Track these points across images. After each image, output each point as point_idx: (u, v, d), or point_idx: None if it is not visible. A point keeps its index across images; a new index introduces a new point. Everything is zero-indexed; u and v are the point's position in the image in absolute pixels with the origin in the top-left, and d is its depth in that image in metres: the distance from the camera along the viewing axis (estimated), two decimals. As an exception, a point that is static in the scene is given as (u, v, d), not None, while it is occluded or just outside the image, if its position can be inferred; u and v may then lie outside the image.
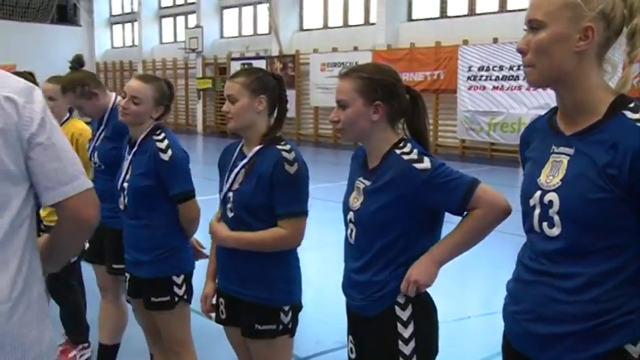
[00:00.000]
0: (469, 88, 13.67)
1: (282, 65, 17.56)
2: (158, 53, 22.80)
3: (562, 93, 1.50)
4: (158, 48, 23.16)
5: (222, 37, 20.90)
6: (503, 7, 13.86)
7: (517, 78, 12.65)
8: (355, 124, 1.96)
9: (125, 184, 2.71)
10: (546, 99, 12.22)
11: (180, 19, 22.71)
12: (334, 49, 16.44)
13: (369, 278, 1.96)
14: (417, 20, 15.21)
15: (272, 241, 2.27)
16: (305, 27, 18.18)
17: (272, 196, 2.25)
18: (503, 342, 1.65)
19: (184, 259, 2.75)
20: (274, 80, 2.38)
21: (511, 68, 12.84)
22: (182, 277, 2.71)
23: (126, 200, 2.71)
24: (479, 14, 14.26)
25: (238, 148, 2.42)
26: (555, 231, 1.47)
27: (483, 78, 13.37)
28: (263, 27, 19.26)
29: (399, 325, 1.93)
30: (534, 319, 1.52)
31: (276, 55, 17.91)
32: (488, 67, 13.26)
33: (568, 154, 1.48)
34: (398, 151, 1.94)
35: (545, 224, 1.49)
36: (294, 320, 2.37)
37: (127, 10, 24.87)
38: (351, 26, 16.84)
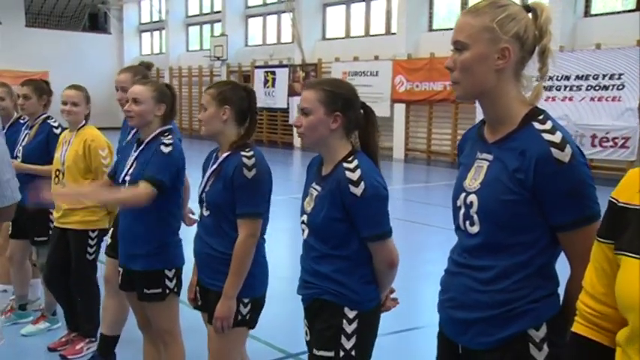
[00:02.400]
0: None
1: (304, 74, 17.81)
2: (184, 61, 23.25)
3: (485, 106, 1.67)
4: (184, 55, 23.62)
5: (246, 45, 21.25)
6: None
7: (535, 89, 12.67)
8: (315, 130, 2.16)
9: (127, 178, 2.90)
10: (565, 110, 12.26)
11: (207, 28, 23.14)
12: (355, 58, 16.64)
13: (325, 270, 2.16)
14: (437, 30, 15.31)
15: (241, 247, 2.50)
16: (327, 36, 18.41)
17: (234, 197, 2.49)
18: (439, 329, 1.82)
19: (176, 255, 2.95)
20: (243, 92, 2.64)
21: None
22: (173, 270, 2.92)
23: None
24: (499, 25, 14.28)
25: (215, 154, 2.67)
26: (475, 228, 1.65)
27: (502, 88, 13.41)
28: (287, 36, 19.55)
29: (343, 320, 2.15)
30: (456, 306, 1.70)
31: (298, 64, 18.17)
32: (507, 77, 13.29)
33: (488, 160, 1.66)
34: (345, 165, 2.14)
35: (467, 222, 1.67)
36: (253, 313, 2.59)
37: (156, 18, 25.43)
38: (373, 36, 17.02)
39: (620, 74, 11.53)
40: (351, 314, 2.13)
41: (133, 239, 2.90)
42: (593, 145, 11.95)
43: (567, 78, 12.33)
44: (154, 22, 25.62)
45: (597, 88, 11.92)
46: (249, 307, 2.56)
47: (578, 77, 12.20)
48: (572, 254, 1.60)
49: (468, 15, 1.64)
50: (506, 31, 1.60)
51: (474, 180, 1.67)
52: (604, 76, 11.80)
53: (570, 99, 12.31)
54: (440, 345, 1.82)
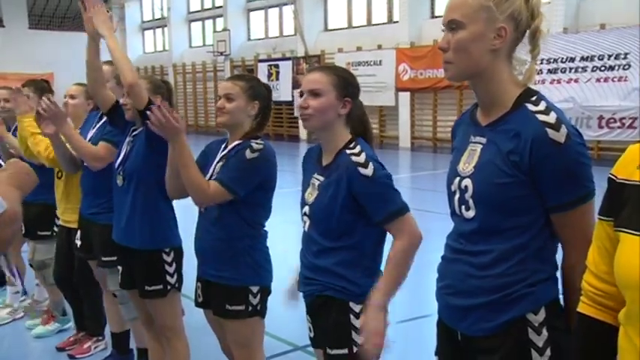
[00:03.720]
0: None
1: (308, 66, 17.78)
2: (188, 57, 23.25)
3: (478, 87, 1.64)
4: (188, 52, 23.62)
5: (249, 39, 21.22)
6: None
7: (540, 72, 12.57)
8: (325, 113, 2.14)
9: (126, 162, 2.94)
10: (570, 92, 12.16)
11: (209, 23, 23.12)
12: (359, 48, 16.57)
13: (326, 264, 2.14)
14: (440, 17, 15.10)
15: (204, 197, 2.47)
16: (330, 27, 18.35)
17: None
18: (438, 317, 1.80)
19: (173, 235, 2.96)
20: (266, 90, 2.65)
21: (534, 62, 12.78)
22: (174, 266, 2.92)
23: (125, 179, 2.94)
24: (502, 9, 14.19)
25: (224, 144, 2.65)
26: (471, 213, 1.62)
27: (507, 73, 13.32)
28: (289, 28, 19.50)
29: (351, 315, 2.12)
30: (453, 293, 1.68)
31: (302, 56, 18.14)
32: (511, 61, 13.20)
33: (481, 143, 1.63)
34: (348, 152, 2.13)
35: (463, 207, 1.65)
36: (263, 302, 2.57)
37: (157, 15, 25.42)
38: (375, 25, 16.94)
39: (626, 54, 11.41)
40: (357, 308, 2.11)
41: (129, 216, 2.91)
42: (601, 127, 11.87)
43: (572, 60, 12.23)
44: (156, 19, 25.60)
45: (603, 68, 11.82)
46: (258, 296, 2.55)
47: (583, 58, 12.09)
48: (566, 235, 1.58)
49: None
50: (502, 11, 1.57)
51: (467, 164, 1.65)
52: (609, 56, 11.69)
53: (576, 81, 12.21)
54: (439, 333, 1.80)
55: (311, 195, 2.19)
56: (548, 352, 1.57)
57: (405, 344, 3.80)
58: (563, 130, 1.51)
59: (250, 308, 2.53)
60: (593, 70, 11.97)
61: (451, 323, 1.71)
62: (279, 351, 3.79)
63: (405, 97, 15.71)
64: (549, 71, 12.55)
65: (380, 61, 15.96)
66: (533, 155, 1.52)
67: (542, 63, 12.50)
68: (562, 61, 12.33)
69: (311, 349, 2.43)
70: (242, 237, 2.51)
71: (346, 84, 2.16)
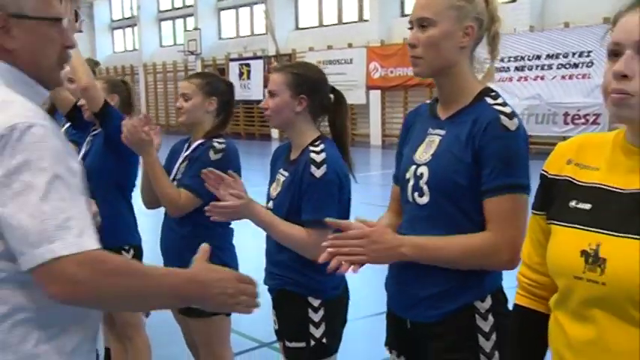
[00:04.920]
0: (461, 81, 13.79)
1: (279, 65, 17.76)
2: (158, 56, 23.08)
3: (443, 82, 1.72)
4: (158, 51, 23.44)
5: (220, 38, 21.15)
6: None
7: (507, 69, 12.80)
8: (281, 112, 2.20)
9: (85, 162, 2.92)
10: (537, 89, 12.40)
11: (179, 22, 22.98)
12: (329, 47, 16.65)
13: (285, 259, 2.18)
14: (409, 15, 15.31)
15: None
16: (300, 26, 18.39)
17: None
18: (387, 308, 1.86)
19: (132, 234, 2.98)
20: (226, 86, 2.67)
21: (502, 60, 12.98)
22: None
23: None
24: (470, 7, 14.37)
25: (187, 143, 2.69)
26: (424, 199, 1.69)
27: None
28: (260, 27, 19.48)
29: (309, 309, 2.17)
30: (402, 282, 1.74)
31: (273, 55, 18.13)
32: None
33: (440, 135, 1.71)
34: (311, 149, 2.17)
35: (416, 194, 1.71)
36: None
37: (127, 14, 25.18)
38: (346, 23, 17.03)
39: (589, 51, 11.67)
40: (316, 302, 2.15)
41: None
42: (566, 123, 12.12)
43: (538, 57, 12.46)
44: (126, 18, 25.37)
45: (567, 66, 12.08)
46: None
47: (548, 56, 12.34)
48: (491, 220, 1.61)
49: None
50: (469, 10, 1.66)
51: (424, 153, 1.72)
52: (573, 54, 11.95)
53: (542, 78, 12.45)
54: (389, 323, 1.86)
55: (275, 190, 2.24)
56: (494, 336, 1.66)
57: (371, 339, 3.86)
58: (515, 121, 1.62)
59: None
60: (558, 68, 12.22)
61: (401, 312, 1.78)
62: (245, 348, 3.83)
63: (375, 95, 15.82)
64: (517, 69, 12.78)
65: (351, 60, 16.05)
66: (484, 135, 1.60)
67: (509, 60, 12.73)
68: (529, 59, 12.56)
69: (277, 345, 2.47)
70: (207, 235, 2.53)
71: (300, 81, 2.18)
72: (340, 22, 17.28)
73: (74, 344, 1.26)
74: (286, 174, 2.21)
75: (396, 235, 1.69)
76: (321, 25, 17.81)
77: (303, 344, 2.17)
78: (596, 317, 1.18)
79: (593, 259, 1.17)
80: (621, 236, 1.15)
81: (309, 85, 2.20)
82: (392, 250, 1.63)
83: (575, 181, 1.28)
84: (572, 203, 1.26)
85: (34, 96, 1.31)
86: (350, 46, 16.11)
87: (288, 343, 2.21)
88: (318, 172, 2.10)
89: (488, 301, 1.67)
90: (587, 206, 1.24)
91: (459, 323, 1.67)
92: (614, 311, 1.15)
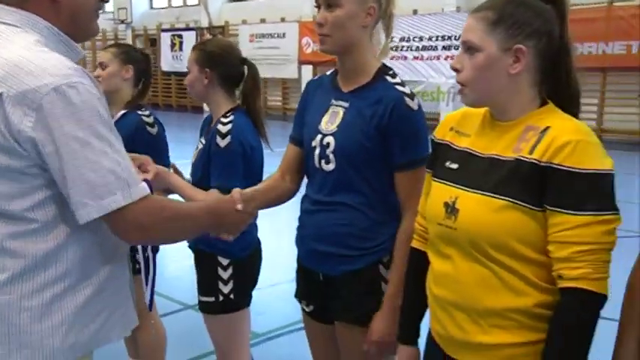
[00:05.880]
0: (391, 58, 14.06)
1: (211, 36, 17.58)
2: (87, 24, 22.34)
3: (345, 59, 1.89)
4: (87, 19, 22.68)
5: (151, 7, 20.69)
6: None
7: (436, 48, 13.20)
8: (193, 85, 2.38)
9: None
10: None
11: (109, -10, 22.29)
12: (262, 21, 16.61)
13: None
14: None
15: None
16: (234, -2, 18.24)
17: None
18: (297, 264, 2.07)
19: None
20: (142, 56, 2.80)
21: (430, 39, 13.37)
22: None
23: None
24: (400, -14, 14.65)
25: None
26: (331, 166, 1.89)
27: (404, 49, 13.83)
28: (192, -2, 19.19)
29: (218, 268, 2.33)
30: (316, 239, 1.94)
31: (205, 27, 17.94)
32: (408, 37, 13.72)
33: (344, 107, 1.89)
34: (221, 119, 2.31)
35: (323, 161, 1.90)
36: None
37: (53, -21, 24.18)
38: (280, -3, 17.02)
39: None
40: (225, 262, 2.32)
41: None
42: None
43: (457, 38, 12.89)
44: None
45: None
46: None
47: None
48: (404, 194, 1.86)
49: None
50: None
51: (330, 123, 1.90)
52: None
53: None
54: (300, 277, 2.07)
55: (194, 157, 2.39)
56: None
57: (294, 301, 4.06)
58: (416, 100, 1.85)
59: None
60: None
61: (313, 266, 1.98)
62: (170, 310, 3.98)
63: (307, 70, 15.93)
64: (444, 48, 13.19)
65: (283, 34, 16.08)
66: (392, 116, 1.81)
67: (437, 40, 13.14)
68: (455, 39, 12.95)
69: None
70: None
71: (205, 56, 2.34)
72: (274, -5, 17.24)
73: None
74: (203, 142, 2.36)
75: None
76: (254, -3, 17.73)
77: (212, 299, 2.34)
78: (451, 255, 1.45)
79: (451, 209, 1.43)
80: (472, 192, 1.41)
81: (213, 59, 2.34)
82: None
83: (452, 145, 1.54)
84: (447, 163, 1.52)
85: (72, 54, 1.39)
86: (283, 20, 16.14)
87: (200, 297, 2.39)
88: (222, 142, 2.23)
89: (388, 256, 1.90)
90: (455, 166, 1.50)
91: (367, 273, 1.90)
92: (462, 251, 1.42)
